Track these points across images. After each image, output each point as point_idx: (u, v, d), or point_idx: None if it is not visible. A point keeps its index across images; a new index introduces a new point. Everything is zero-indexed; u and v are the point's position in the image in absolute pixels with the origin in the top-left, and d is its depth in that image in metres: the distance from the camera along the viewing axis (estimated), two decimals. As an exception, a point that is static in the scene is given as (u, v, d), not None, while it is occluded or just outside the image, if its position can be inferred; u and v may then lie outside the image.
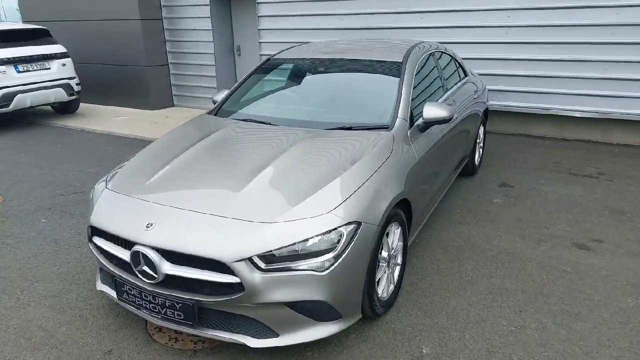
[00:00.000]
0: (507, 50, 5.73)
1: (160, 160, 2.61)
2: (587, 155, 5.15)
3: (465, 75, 4.46)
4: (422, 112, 2.96)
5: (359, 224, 2.13)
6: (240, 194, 2.19)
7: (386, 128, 2.82)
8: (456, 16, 5.87)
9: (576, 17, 5.29)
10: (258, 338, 2.04)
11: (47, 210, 4.00)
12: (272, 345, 2.04)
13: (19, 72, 6.64)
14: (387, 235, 2.45)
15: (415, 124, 2.99)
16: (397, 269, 2.67)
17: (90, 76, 8.51)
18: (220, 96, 3.59)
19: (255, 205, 2.12)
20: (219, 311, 2.04)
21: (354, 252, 2.09)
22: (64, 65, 7.18)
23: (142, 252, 2.02)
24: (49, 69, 7.01)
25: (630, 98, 5.30)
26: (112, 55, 8.20)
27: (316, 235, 2.01)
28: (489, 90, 5.85)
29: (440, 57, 3.92)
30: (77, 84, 7.41)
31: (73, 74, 7.36)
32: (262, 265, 1.95)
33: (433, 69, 3.67)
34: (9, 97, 6.54)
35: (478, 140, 4.59)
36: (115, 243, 2.20)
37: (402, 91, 3.03)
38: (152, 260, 2.00)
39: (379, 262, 2.39)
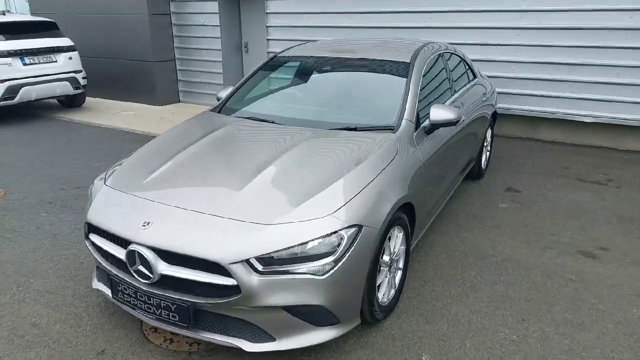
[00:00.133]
0: (517, 53, 5.64)
1: (160, 157, 2.58)
2: (596, 161, 5.06)
3: (475, 77, 4.39)
4: (428, 113, 2.90)
5: (360, 227, 2.08)
6: (240, 193, 2.15)
7: (391, 129, 2.76)
8: (467, 17, 5.79)
9: (589, 20, 5.19)
10: (254, 342, 2.00)
11: (47, 205, 3.98)
12: (268, 350, 2.00)
13: (25, 64, 6.65)
14: (389, 239, 2.40)
15: (422, 125, 2.93)
16: (399, 273, 2.61)
17: (97, 70, 8.51)
18: (224, 93, 3.55)
19: (255, 206, 2.08)
20: (215, 313, 2.00)
21: (354, 256, 2.04)
22: (70, 58, 7.18)
23: (137, 251, 1.98)
24: (56, 62, 7.01)
25: (642, 104, 5.20)
26: (120, 50, 8.19)
27: (316, 238, 1.97)
28: (498, 93, 5.77)
29: (449, 58, 3.85)
30: (83, 78, 7.41)
31: (79, 67, 7.36)
32: (260, 267, 1.91)
33: (441, 70, 3.61)
34: (15, 90, 6.55)
35: (485, 144, 4.52)
36: (111, 241, 2.17)
37: (409, 92, 2.98)
38: (148, 259, 1.96)
39: (380, 267, 2.34)
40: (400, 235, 2.53)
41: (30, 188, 4.36)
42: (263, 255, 1.91)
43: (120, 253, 2.09)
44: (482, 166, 4.53)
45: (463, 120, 3.53)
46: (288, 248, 1.93)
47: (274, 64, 3.65)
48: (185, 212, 2.06)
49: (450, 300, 2.66)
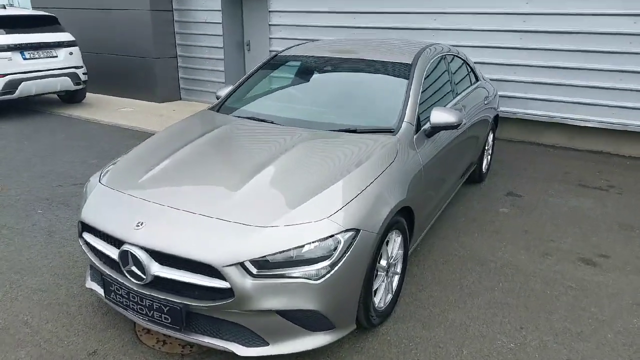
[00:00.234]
0: (520, 56, 5.61)
1: (157, 155, 2.55)
2: (598, 167, 5.03)
3: (477, 79, 4.35)
4: (429, 116, 2.87)
5: (357, 231, 2.05)
6: (236, 194, 2.12)
7: (391, 132, 2.73)
8: (470, 19, 5.75)
9: (593, 24, 5.15)
10: (247, 346, 1.97)
11: (44, 201, 3.95)
12: (261, 355, 1.96)
13: (25, 59, 6.62)
14: (387, 243, 2.37)
15: (422, 128, 2.90)
16: (396, 278, 2.58)
17: (98, 66, 8.48)
18: (224, 92, 3.52)
19: (251, 208, 2.04)
20: (208, 316, 1.97)
21: (350, 260, 2.01)
22: (71, 54, 7.15)
23: (130, 252, 1.95)
24: (56, 57, 6.98)
25: (646, 110, 5.16)
26: (121, 46, 8.16)
27: (312, 242, 1.93)
28: (500, 96, 5.73)
29: (451, 61, 3.81)
30: (84, 74, 7.38)
31: (80, 63, 7.32)
32: (254, 270, 1.88)
33: (443, 72, 3.57)
34: (15, 84, 6.52)
35: (487, 147, 4.49)
36: (104, 240, 2.13)
37: (410, 94, 2.94)
38: (141, 260, 1.93)
39: (377, 271, 2.31)
40: (399, 239, 2.49)
41: (27, 184, 4.33)
42: (258, 258, 1.88)
43: (113, 253, 2.06)
44: (483, 170, 4.49)
45: (464, 124, 3.50)
46: (284, 251, 1.90)
47: (274, 63, 3.62)
48: (179, 213, 2.03)
49: (447, 306, 2.63)
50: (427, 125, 2.92)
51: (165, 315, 1.96)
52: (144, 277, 1.95)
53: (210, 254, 1.86)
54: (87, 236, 2.22)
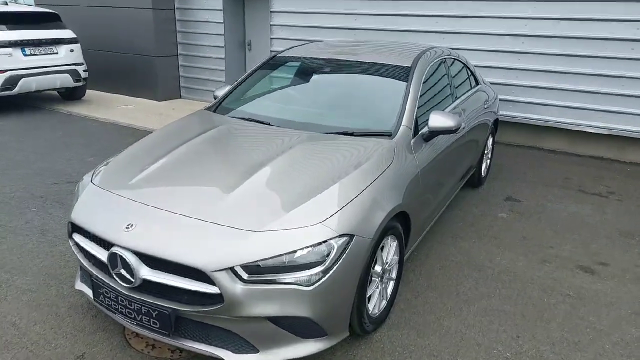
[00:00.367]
0: (522, 60, 5.57)
1: (150, 156, 2.51)
2: (599, 173, 4.98)
3: (477, 83, 4.31)
4: (427, 120, 2.83)
5: (351, 236, 2.01)
6: (229, 197, 2.08)
7: (389, 135, 2.69)
8: (472, 22, 5.71)
9: (595, 30, 5.11)
10: (237, 353, 1.93)
11: (38, 199, 3.92)
12: (251, 361, 1.93)
13: (25, 55, 6.59)
14: (382, 248, 2.33)
15: (420, 132, 2.86)
16: (391, 284, 2.54)
17: (99, 63, 8.46)
18: (221, 91, 3.49)
19: (243, 211, 2.01)
20: (198, 322, 1.94)
21: (344, 266, 1.98)
22: (72, 50, 7.12)
23: (119, 254, 1.92)
24: (57, 53, 6.95)
25: (647, 116, 5.12)
26: (122, 43, 8.14)
27: (305, 247, 1.90)
28: (501, 100, 5.69)
29: (451, 64, 3.78)
30: (84, 71, 7.35)
31: (81, 60, 7.30)
32: (245, 276, 1.84)
33: (443, 75, 3.54)
34: (14, 80, 6.49)
35: (486, 151, 4.45)
36: (94, 242, 2.10)
37: (408, 98, 2.90)
38: (130, 263, 1.89)
39: (371, 277, 2.27)
40: (394, 244, 2.46)
41: (22, 181, 4.29)
42: (249, 263, 1.84)
43: (102, 255, 2.03)
44: (482, 174, 4.45)
45: (463, 128, 3.46)
46: (275, 257, 1.87)
47: (273, 63, 3.59)
48: (170, 215, 2.00)
49: (443, 314, 2.59)
50: (425, 129, 2.88)
51: (154, 320, 1.93)
52: (133, 280, 1.91)
53: (200, 258, 1.82)
54: (77, 237, 2.19)
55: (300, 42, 4.62)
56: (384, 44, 3.78)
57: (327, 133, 2.72)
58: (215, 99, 3.47)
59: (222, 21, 7.48)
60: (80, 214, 2.17)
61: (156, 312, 1.91)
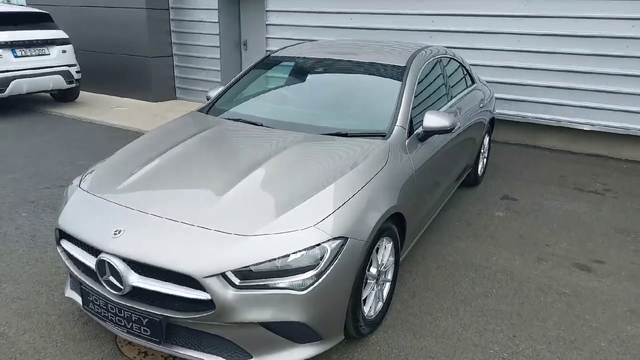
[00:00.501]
0: (518, 59, 5.55)
1: (140, 159, 2.47)
2: (595, 170, 4.98)
3: (473, 82, 4.29)
4: (422, 120, 2.80)
5: (345, 239, 1.98)
6: (220, 201, 2.05)
7: (383, 136, 2.66)
8: (468, 21, 5.68)
9: (590, 28, 5.10)
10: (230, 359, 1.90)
11: (29, 204, 3.87)
12: (244, 367, 1.90)
13: (16, 56, 6.51)
14: (377, 250, 2.30)
15: (415, 132, 2.84)
16: (387, 285, 2.52)
17: (93, 64, 8.38)
18: (214, 92, 3.45)
19: (235, 215, 1.97)
20: (189, 329, 1.90)
21: (338, 269, 1.95)
22: (64, 51, 7.05)
23: (107, 261, 1.88)
24: (48, 55, 6.88)
25: (642, 113, 5.12)
26: (116, 44, 8.07)
27: (298, 251, 1.87)
28: (497, 99, 5.68)
29: (447, 63, 3.75)
30: (77, 72, 7.28)
31: (73, 61, 7.22)
32: (237, 281, 1.81)
33: (438, 75, 3.51)
34: (5, 83, 6.41)
35: (482, 150, 4.43)
36: (82, 249, 2.06)
37: (403, 97, 2.88)
38: (118, 270, 1.85)
39: (366, 279, 2.24)
40: (389, 246, 2.43)
41: (13, 185, 4.24)
42: (241, 268, 1.81)
43: (90, 262, 1.99)
44: (479, 173, 4.43)
45: (459, 127, 3.43)
46: (268, 261, 1.83)
47: (266, 63, 3.55)
48: (160, 220, 1.96)
49: (440, 314, 2.57)
50: (420, 129, 2.86)
51: (145, 327, 1.89)
52: (122, 287, 1.88)
53: (190, 264, 1.79)
54: (65, 244, 2.15)
55: (295, 42, 4.58)
56: (379, 43, 3.74)
57: (320, 134, 2.69)
58: (208, 99, 3.43)
59: (217, 21, 7.42)
60: (67, 220, 2.13)
61: (147, 319, 1.87)
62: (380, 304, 2.44)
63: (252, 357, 1.90)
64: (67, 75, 7.09)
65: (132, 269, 1.88)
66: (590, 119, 5.38)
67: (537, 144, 5.86)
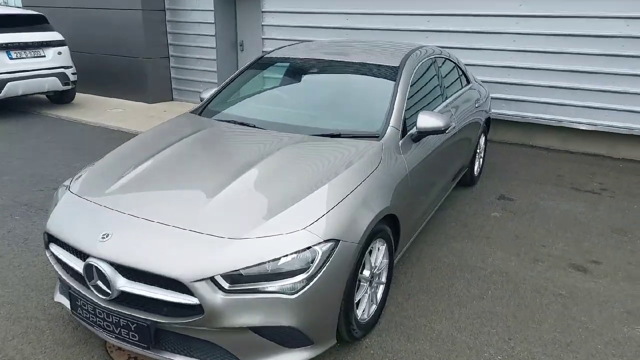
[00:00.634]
0: (513, 58, 5.53)
1: (131, 161, 2.44)
2: (591, 170, 4.96)
3: (468, 82, 4.27)
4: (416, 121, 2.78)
5: (337, 242, 1.96)
6: (210, 204, 2.03)
7: (376, 137, 2.64)
8: (463, 21, 5.67)
9: (586, 27, 5.08)
10: (220, 365, 1.87)
11: (22, 207, 3.84)
12: (234, 373, 1.87)
13: (11, 58, 6.49)
14: (370, 252, 2.28)
15: (409, 133, 2.81)
16: (381, 288, 2.49)
17: (89, 66, 8.36)
18: (207, 94, 3.43)
19: (224, 218, 1.95)
20: (178, 334, 1.88)
21: (329, 272, 1.92)
22: (59, 53, 7.02)
23: (95, 266, 1.85)
24: (44, 56, 6.85)
25: (638, 113, 5.10)
26: (112, 46, 8.04)
27: (288, 254, 1.85)
28: (493, 99, 5.66)
29: (441, 63, 3.73)
30: (73, 74, 7.25)
31: (69, 63, 7.20)
32: (226, 285, 1.78)
33: (432, 75, 3.49)
34: (0, 85, 6.38)
35: (478, 150, 4.41)
36: (70, 252, 2.04)
37: (396, 98, 2.85)
38: (106, 274, 1.83)
39: (359, 282, 2.22)
40: (383, 248, 2.41)
41: (6, 188, 4.21)
42: (230, 272, 1.79)
43: (78, 266, 1.96)
44: (475, 173, 4.41)
45: (453, 128, 3.41)
46: (258, 265, 1.81)
47: (259, 65, 3.53)
48: (148, 224, 1.93)
49: (434, 317, 2.54)
50: (414, 130, 2.83)
51: (133, 333, 1.87)
52: (110, 292, 1.85)
53: (178, 268, 1.77)
54: (54, 248, 2.12)
55: (292, 42, 4.56)
56: (373, 44, 3.72)
57: (313, 135, 2.66)
58: (201, 100, 3.41)
59: (213, 22, 7.40)
60: (55, 224, 2.10)
61: (135, 324, 1.85)
62: (374, 307, 2.41)
63: (242, 362, 1.88)
64: (62, 77, 7.06)
65: (120, 273, 1.85)
66: (587, 118, 5.35)
67: (534, 143, 5.84)
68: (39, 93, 6.98)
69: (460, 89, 3.97)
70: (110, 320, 1.89)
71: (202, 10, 7.46)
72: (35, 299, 2.61)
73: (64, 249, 2.08)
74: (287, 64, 3.41)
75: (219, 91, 3.40)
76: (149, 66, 7.79)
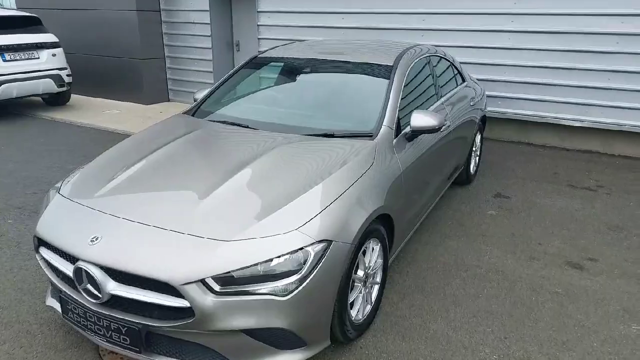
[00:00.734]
0: (509, 56, 5.53)
1: (122, 163, 2.42)
2: (587, 167, 4.96)
3: (463, 80, 4.25)
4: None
5: (329, 242, 1.94)
6: (201, 205, 2.01)
7: (369, 136, 2.62)
8: (459, 19, 5.66)
9: (581, 24, 5.08)
10: (212, 367, 1.86)
11: (16, 210, 3.82)
12: (227, 376, 1.86)
13: (5, 60, 6.45)
14: (364, 253, 2.26)
15: (403, 132, 2.80)
16: (376, 288, 2.48)
17: (84, 67, 8.33)
18: (201, 94, 3.41)
19: (215, 219, 1.93)
20: (170, 337, 1.86)
21: (322, 273, 1.91)
22: (54, 55, 6.99)
23: (84, 269, 1.84)
24: (38, 58, 6.82)
25: (634, 109, 5.10)
26: (107, 47, 8.01)
27: (280, 256, 1.83)
28: (489, 97, 5.66)
29: (436, 62, 3.72)
30: (68, 75, 7.22)
31: (64, 64, 7.16)
32: (217, 288, 1.77)
33: (427, 73, 3.47)
34: (-5, 87, 6.37)
35: (474, 149, 4.40)
36: (60, 256, 2.02)
37: (390, 97, 2.84)
38: (96, 278, 1.81)
39: (353, 283, 2.21)
40: (377, 248, 2.39)
41: (1, 190, 4.18)
42: (221, 274, 1.77)
43: (68, 270, 1.94)
44: (471, 171, 4.40)
45: (448, 126, 3.40)
46: (250, 266, 1.79)
47: (253, 64, 3.51)
48: (138, 226, 1.92)
49: (429, 316, 2.53)
50: (407, 129, 2.82)
51: (124, 336, 1.85)
52: (100, 295, 1.84)
53: (168, 270, 1.75)
54: (44, 251, 2.10)
55: (287, 42, 4.55)
56: (367, 43, 3.71)
57: (306, 135, 2.65)
58: (195, 101, 3.39)
59: (208, 22, 7.38)
60: (45, 227, 2.08)
61: (126, 328, 1.83)
62: (368, 307, 2.40)
63: (234, 365, 1.87)
64: (57, 78, 7.03)
65: (109, 276, 1.84)
66: (584, 115, 5.35)
67: (530, 141, 5.84)
68: (33, 95, 6.95)
69: (455, 88, 3.96)
70: (101, 324, 1.88)
71: (197, 10, 7.43)
72: (27, 303, 2.59)
73: (53, 252, 2.06)
74: (281, 64, 3.40)
75: (212, 92, 3.38)
76: (144, 67, 7.76)
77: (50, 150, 5.41)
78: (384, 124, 2.69)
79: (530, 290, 2.78)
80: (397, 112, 2.81)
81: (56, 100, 7.54)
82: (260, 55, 3.57)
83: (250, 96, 3.31)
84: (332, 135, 2.64)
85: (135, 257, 1.80)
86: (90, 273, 1.82)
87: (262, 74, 3.45)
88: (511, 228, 3.56)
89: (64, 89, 7.22)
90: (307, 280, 1.86)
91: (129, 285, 1.82)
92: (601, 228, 3.57)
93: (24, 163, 4.94)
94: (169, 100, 8.27)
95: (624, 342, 2.35)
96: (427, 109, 3.23)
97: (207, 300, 1.74)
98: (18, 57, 6.59)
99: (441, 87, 3.65)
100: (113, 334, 1.87)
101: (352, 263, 2.10)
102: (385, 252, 2.48)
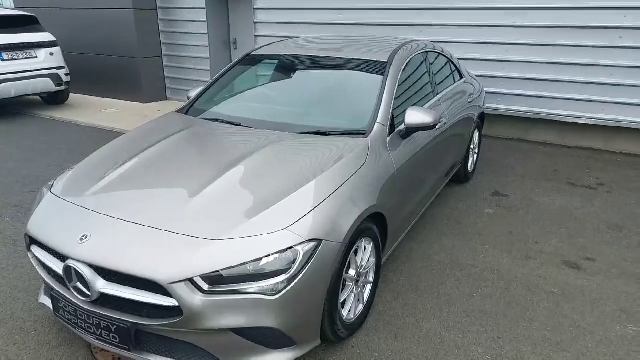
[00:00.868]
0: (508, 52, 5.48)
1: (113, 161, 2.42)
2: (588, 164, 4.92)
3: (461, 77, 4.22)
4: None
5: (319, 241, 1.93)
6: (191, 204, 2.00)
7: (363, 134, 2.61)
8: (457, 14, 5.62)
9: (582, 18, 5.02)
10: (201, 366, 1.86)
11: (13, 208, 3.82)
12: (216, 375, 1.86)
13: (3, 60, 6.46)
14: (356, 252, 2.25)
15: (397, 129, 2.78)
16: (368, 287, 2.47)
17: (82, 66, 8.33)
18: (194, 92, 3.40)
19: (205, 218, 1.92)
20: (159, 335, 1.86)
21: (311, 273, 1.90)
22: (52, 54, 7.00)
23: (74, 268, 1.83)
24: (36, 57, 6.83)
25: (637, 106, 5.04)
26: (105, 46, 8.01)
27: (269, 255, 1.82)
28: (488, 93, 5.61)
29: (433, 58, 3.69)
30: (66, 74, 7.23)
31: (62, 63, 7.17)
32: (206, 287, 1.76)
33: (423, 70, 3.45)
34: (-7, 87, 6.38)
35: (472, 146, 4.37)
36: (51, 254, 2.02)
37: (384, 94, 2.82)
38: (85, 276, 1.81)
39: (344, 282, 2.20)
40: (370, 247, 2.38)
41: (-1, 189, 4.21)
42: (210, 273, 1.76)
43: (58, 268, 1.94)
44: (469, 169, 4.37)
45: (445, 123, 3.38)
46: (239, 265, 1.79)
47: (246, 62, 3.49)
48: (128, 225, 1.91)
49: (423, 315, 2.52)
50: (402, 126, 2.80)
51: (114, 334, 1.85)
52: (90, 294, 1.83)
53: (155, 269, 1.74)
54: (35, 249, 2.10)
55: (283, 39, 4.53)
56: (362, 39, 3.69)
57: (299, 133, 2.63)
58: (188, 99, 3.39)
59: (205, 20, 7.37)
60: (36, 226, 2.08)
61: (115, 326, 1.83)
62: (360, 307, 2.39)
63: (223, 364, 1.86)
64: (55, 78, 7.04)
65: (99, 275, 1.83)
66: (584, 112, 5.29)
67: (530, 138, 5.80)
68: (32, 94, 6.96)
69: (452, 84, 3.93)
70: (91, 322, 1.87)
71: (194, 8, 7.42)
72: (22, 301, 2.60)
73: (44, 250, 2.06)
74: (275, 61, 3.38)
75: (205, 90, 3.37)
76: (142, 66, 7.76)
77: (48, 149, 5.42)
78: (377, 121, 2.68)
79: (526, 290, 2.75)
80: (392, 109, 2.79)
81: (55, 99, 7.55)
82: (253, 53, 3.56)
83: (243, 94, 3.29)
84: (324, 133, 2.63)
85: (124, 256, 1.79)
86: (80, 271, 1.81)
87: (256, 72, 3.43)
88: (508, 227, 3.54)
89: (62, 88, 7.23)
90: (297, 280, 1.85)
91: (118, 283, 1.82)
92: (600, 227, 3.54)
93: (22, 162, 4.95)
94: (167, 99, 8.27)
95: (620, 343, 2.33)
96: (423, 106, 3.21)
97: (195, 299, 1.74)
98: (16, 57, 6.60)
99: (438, 83, 3.63)
100: (103, 332, 1.86)
101: (343, 262, 2.08)
102: (378, 251, 2.46)
